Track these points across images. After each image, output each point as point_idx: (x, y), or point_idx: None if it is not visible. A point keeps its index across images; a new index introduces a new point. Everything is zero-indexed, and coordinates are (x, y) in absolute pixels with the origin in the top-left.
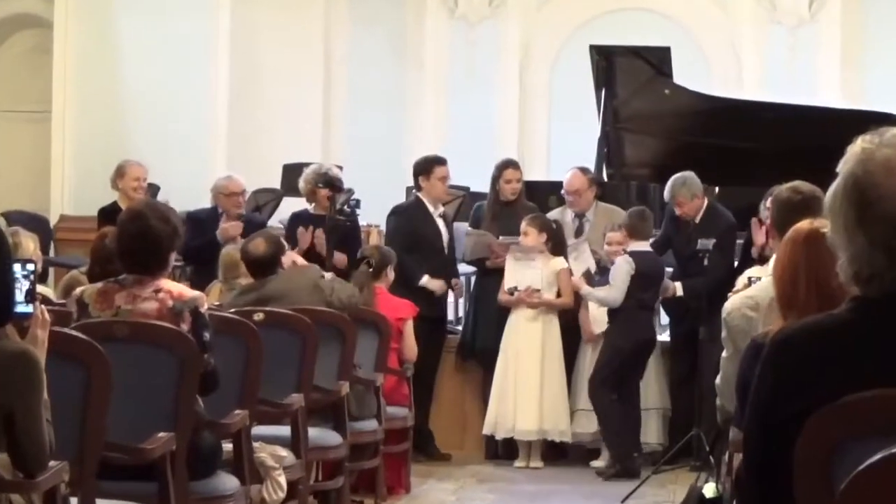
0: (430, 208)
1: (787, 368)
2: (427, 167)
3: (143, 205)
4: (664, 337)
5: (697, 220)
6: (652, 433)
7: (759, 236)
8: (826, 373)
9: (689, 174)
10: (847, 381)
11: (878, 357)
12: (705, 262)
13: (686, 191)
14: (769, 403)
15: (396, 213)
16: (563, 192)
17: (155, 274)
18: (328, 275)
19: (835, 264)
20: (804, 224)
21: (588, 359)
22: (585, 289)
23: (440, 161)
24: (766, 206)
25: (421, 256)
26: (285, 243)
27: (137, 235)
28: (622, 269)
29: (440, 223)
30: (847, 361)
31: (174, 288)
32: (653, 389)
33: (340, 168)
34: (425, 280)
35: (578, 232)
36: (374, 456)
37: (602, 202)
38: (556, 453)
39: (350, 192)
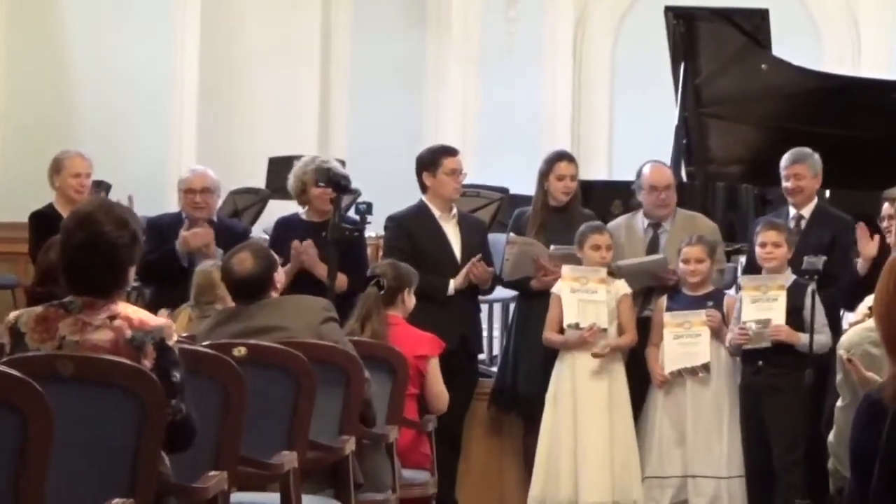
0: (436, 213)
1: None
2: (432, 160)
3: (94, 206)
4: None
5: (806, 217)
6: None
7: (870, 247)
8: None
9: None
10: None
11: None
12: (811, 288)
13: (813, 163)
14: None
15: (392, 222)
16: (644, 191)
17: (109, 295)
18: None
19: None
20: None
21: (660, 408)
22: (804, 338)
23: (448, 151)
24: (887, 215)
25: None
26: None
27: (87, 245)
28: (818, 302)
29: (451, 231)
30: None
31: (134, 314)
32: (735, 449)
33: (342, 163)
34: (457, 283)
35: (653, 246)
36: None
37: (680, 208)
38: None
39: (357, 193)
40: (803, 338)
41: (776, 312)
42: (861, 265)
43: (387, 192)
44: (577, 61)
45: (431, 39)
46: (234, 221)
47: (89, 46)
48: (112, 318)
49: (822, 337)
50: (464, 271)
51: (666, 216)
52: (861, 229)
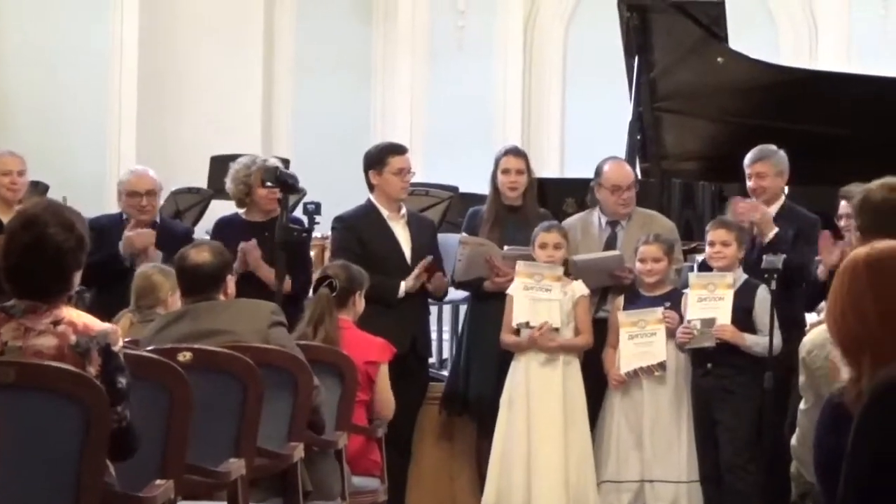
0: (384, 213)
1: None
2: (379, 158)
3: (41, 207)
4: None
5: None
6: None
7: (833, 256)
8: None
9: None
10: None
11: None
12: (771, 286)
13: (776, 161)
14: (878, 469)
15: (340, 223)
16: (606, 190)
17: (54, 300)
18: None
19: None
20: (861, 249)
21: (616, 411)
22: (750, 339)
23: (396, 150)
24: (845, 214)
25: None
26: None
27: (31, 248)
28: (767, 302)
29: (400, 231)
30: None
31: (78, 319)
32: (693, 452)
33: (286, 162)
34: (408, 286)
35: (610, 244)
36: None
37: (637, 206)
38: None
39: (303, 192)
40: (748, 339)
41: (722, 311)
42: (821, 270)
43: (333, 190)
44: (527, 55)
45: (378, 33)
46: (175, 223)
47: (24, 45)
48: (56, 323)
49: (766, 340)
50: (414, 273)
51: (627, 215)
52: (825, 238)
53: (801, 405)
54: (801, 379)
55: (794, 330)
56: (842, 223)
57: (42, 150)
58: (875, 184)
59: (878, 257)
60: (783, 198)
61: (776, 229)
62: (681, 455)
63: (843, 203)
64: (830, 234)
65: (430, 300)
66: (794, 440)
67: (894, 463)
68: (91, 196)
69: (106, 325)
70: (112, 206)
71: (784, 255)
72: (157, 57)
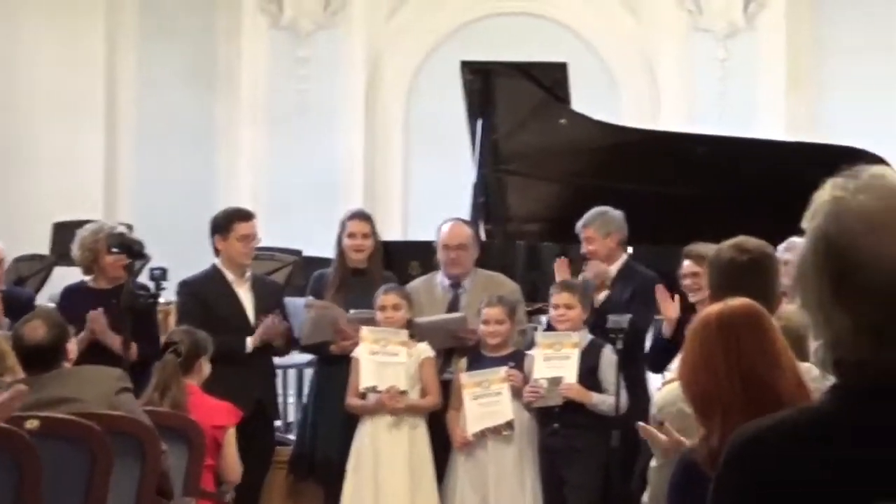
0: (229, 277)
1: (760, 476)
2: (224, 224)
3: None
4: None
5: (612, 275)
6: None
7: (671, 309)
8: (811, 481)
9: (612, 209)
10: (837, 490)
11: (868, 462)
12: (617, 345)
13: (602, 223)
14: None
15: (184, 287)
16: (440, 250)
17: None
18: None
19: (758, 351)
20: (714, 307)
21: (461, 472)
22: (596, 398)
23: (241, 216)
24: (689, 273)
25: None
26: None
27: None
28: (613, 361)
29: (244, 295)
30: (837, 466)
31: None
32: None
33: (129, 227)
34: (254, 341)
35: (453, 306)
36: None
37: (481, 268)
38: None
39: (147, 258)
40: (595, 397)
41: (568, 370)
42: (665, 327)
43: (176, 254)
44: (370, 118)
45: (221, 98)
46: (18, 290)
47: None
48: None
49: (612, 399)
50: (260, 329)
51: (460, 275)
52: (660, 291)
53: (653, 462)
54: None
55: (637, 389)
56: (687, 282)
57: None
58: (726, 244)
59: (731, 315)
60: (624, 257)
61: (606, 292)
62: None
63: (686, 262)
64: (665, 287)
65: (275, 361)
66: (645, 497)
67: None
68: None
69: None
70: None
71: (630, 315)
72: (2, 121)
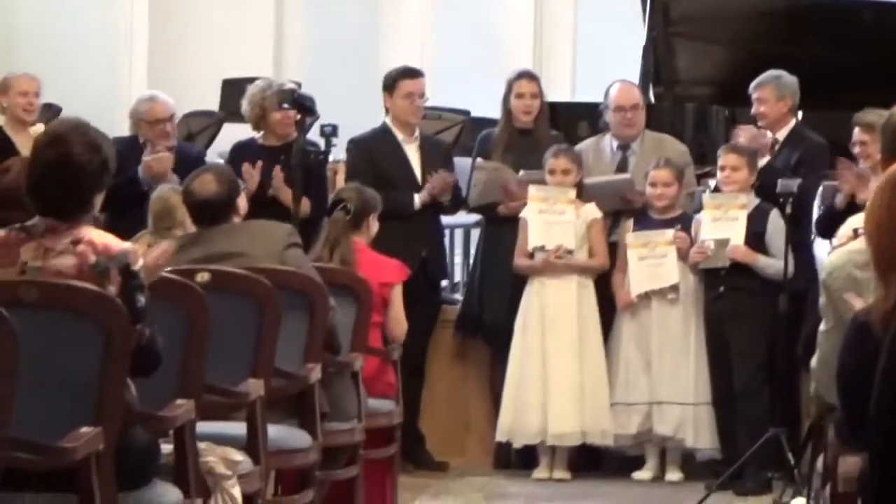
0: (399, 135)
1: None
2: (392, 82)
3: (69, 126)
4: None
5: (780, 140)
6: (705, 434)
7: (849, 179)
8: None
9: (787, 74)
10: None
11: None
12: (787, 210)
13: (777, 86)
14: None
15: (354, 145)
16: (610, 111)
17: (74, 220)
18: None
19: None
20: None
21: (624, 334)
22: (763, 261)
23: (408, 73)
24: (859, 141)
25: None
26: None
27: (55, 166)
28: (780, 225)
29: (413, 154)
30: None
31: (98, 239)
32: (702, 375)
33: (298, 85)
34: (422, 198)
35: (621, 168)
36: (351, 463)
37: (649, 130)
38: (586, 461)
39: (316, 116)
40: (761, 259)
41: (736, 232)
42: (840, 198)
43: (342, 114)
44: None
45: None
46: (189, 146)
47: None
48: (75, 242)
49: (780, 263)
50: (429, 183)
51: (633, 137)
52: (842, 164)
53: (822, 326)
54: (822, 300)
55: (804, 253)
56: (857, 150)
57: (51, 74)
58: None
59: None
60: (793, 122)
61: (767, 157)
62: (688, 377)
63: (857, 129)
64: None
65: (442, 221)
66: (813, 361)
67: None
68: (101, 121)
69: (125, 245)
70: (122, 131)
71: (799, 180)
72: None
